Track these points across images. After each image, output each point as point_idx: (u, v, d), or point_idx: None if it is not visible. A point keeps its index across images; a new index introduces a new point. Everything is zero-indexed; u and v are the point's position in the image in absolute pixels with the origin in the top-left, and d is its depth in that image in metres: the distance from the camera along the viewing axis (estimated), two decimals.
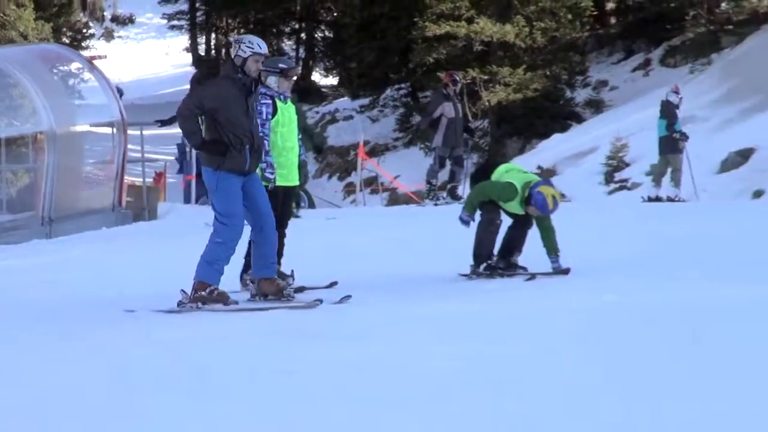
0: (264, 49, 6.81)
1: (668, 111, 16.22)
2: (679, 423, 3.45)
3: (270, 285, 6.88)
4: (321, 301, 6.59)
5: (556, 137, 25.86)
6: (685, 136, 16.57)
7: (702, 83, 24.44)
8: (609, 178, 22.71)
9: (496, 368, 4.45)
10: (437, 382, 4.06)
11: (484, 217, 7.93)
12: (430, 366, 4.36)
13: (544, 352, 4.68)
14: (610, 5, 37.12)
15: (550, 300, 6.40)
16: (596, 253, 8.48)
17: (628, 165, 22.92)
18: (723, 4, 33.28)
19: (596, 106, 31.76)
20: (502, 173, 7.95)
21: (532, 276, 7.72)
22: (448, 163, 16.57)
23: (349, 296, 6.73)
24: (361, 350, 4.91)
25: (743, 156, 20.36)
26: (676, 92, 16.66)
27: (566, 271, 7.48)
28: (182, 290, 6.66)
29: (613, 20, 37.78)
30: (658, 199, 16.17)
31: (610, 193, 21.95)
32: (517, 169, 8.21)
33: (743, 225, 10.83)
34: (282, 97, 7.83)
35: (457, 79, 17.36)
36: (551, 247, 7.87)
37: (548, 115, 28.26)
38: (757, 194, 18.21)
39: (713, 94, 23.22)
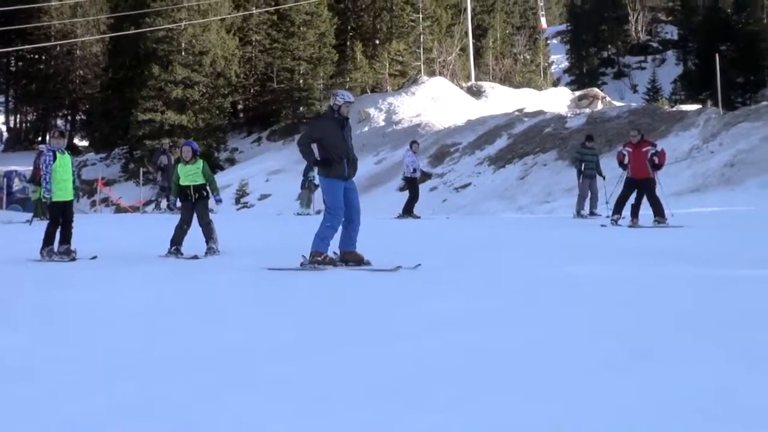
0: (351, 98, 7.61)
1: (309, 163, 14.08)
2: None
3: (353, 255, 7.45)
4: (400, 267, 7.07)
5: None
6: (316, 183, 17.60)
7: (293, 151, 27.19)
8: (238, 201, 29.30)
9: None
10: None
11: (182, 218, 9.13)
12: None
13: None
14: (240, 106, 45.20)
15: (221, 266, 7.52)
16: (237, 244, 9.45)
17: (248, 194, 29.69)
18: (301, 108, 41.55)
19: (232, 162, 39.29)
20: None
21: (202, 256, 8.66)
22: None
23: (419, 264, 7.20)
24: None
25: None
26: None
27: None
28: (303, 255, 7.32)
29: (241, 114, 45.78)
30: (303, 214, 18.06)
31: (239, 209, 28.16)
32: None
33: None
34: (60, 150, 9.16)
35: (171, 144, 22.37)
36: (216, 190, 9.27)
37: None
38: None
39: (295, 156, 22.26)
